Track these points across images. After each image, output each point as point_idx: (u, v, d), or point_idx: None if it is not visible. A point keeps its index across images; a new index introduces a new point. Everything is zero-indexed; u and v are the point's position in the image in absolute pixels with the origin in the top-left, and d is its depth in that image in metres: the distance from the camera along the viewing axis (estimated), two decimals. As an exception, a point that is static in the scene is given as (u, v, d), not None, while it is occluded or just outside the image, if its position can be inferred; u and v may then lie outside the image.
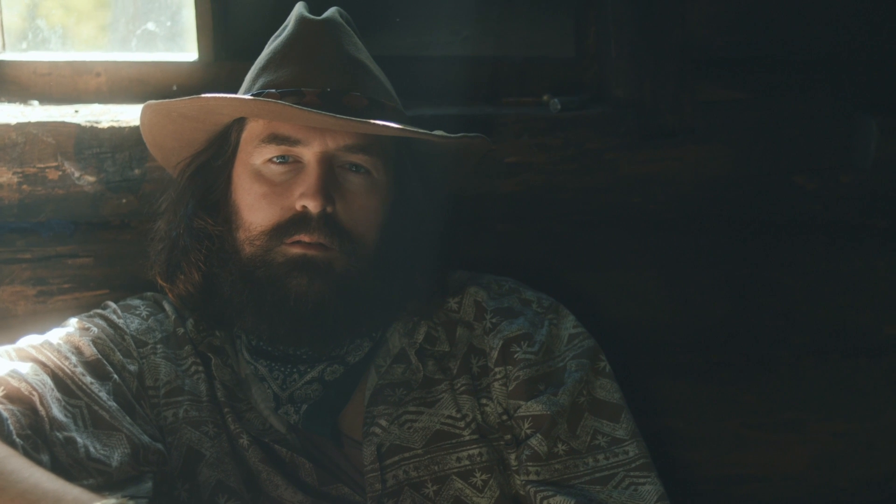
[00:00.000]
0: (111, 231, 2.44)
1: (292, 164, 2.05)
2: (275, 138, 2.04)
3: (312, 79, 2.06)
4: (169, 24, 2.70)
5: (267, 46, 2.19)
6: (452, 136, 2.11)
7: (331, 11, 2.18)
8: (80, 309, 2.28)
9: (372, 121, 2.00)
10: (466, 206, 2.43)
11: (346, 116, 1.97)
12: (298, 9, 2.18)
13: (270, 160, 2.05)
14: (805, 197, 2.57)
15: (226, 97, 2.03)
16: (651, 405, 2.31)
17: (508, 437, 2.08)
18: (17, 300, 2.42)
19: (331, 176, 2.03)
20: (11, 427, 1.76)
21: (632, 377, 2.30)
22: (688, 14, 2.53)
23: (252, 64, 2.41)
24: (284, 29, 2.17)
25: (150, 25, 2.70)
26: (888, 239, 2.59)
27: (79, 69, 2.60)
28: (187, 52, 2.67)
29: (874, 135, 2.46)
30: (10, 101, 2.54)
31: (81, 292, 2.44)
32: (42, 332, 2.03)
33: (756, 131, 2.55)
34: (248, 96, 2.04)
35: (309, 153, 2.03)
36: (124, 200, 2.42)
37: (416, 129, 2.05)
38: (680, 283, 2.57)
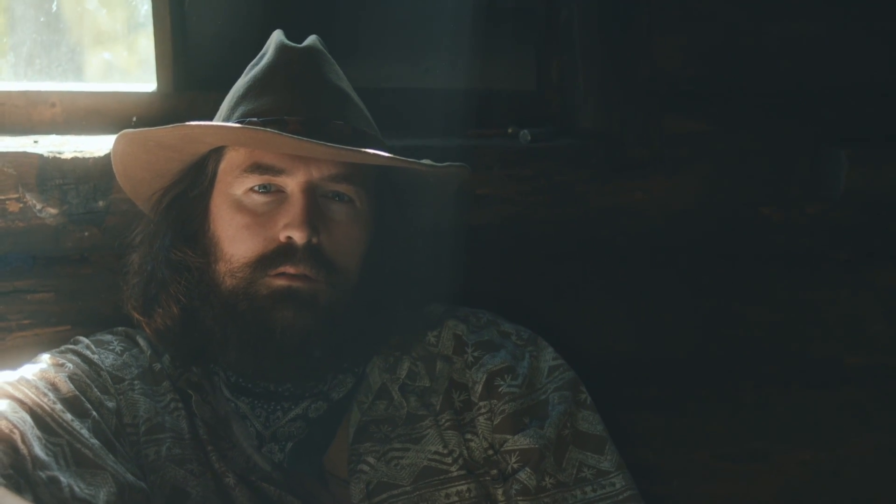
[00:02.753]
0: (71, 265, 2.38)
1: (275, 193, 2.01)
2: (257, 167, 2.00)
3: (295, 107, 2.03)
4: (126, 54, 2.65)
5: (244, 75, 2.15)
6: (439, 165, 2.10)
7: (311, 39, 2.15)
8: (40, 346, 2.23)
9: (363, 149, 1.97)
10: (439, 238, 2.41)
11: (335, 145, 1.94)
12: (277, 36, 2.15)
13: (252, 190, 2.01)
14: (770, 228, 2.60)
15: (211, 125, 2.00)
16: (621, 438, 2.30)
17: (495, 472, 2.06)
18: (-26, 337, 2.34)
19: (315, 206, 2.00)
20: (-6, 466, 1.70)
21: (601, 410, 2.29)
22: (655, 47, 2.55)
23: (213, 94, 2.40)
24: (263, 57, 2.14)
25: (107, 55, 2.64)
26: (850, 270, 2.63)
27: (33, 99, 2.55)
28: (145, 82, 2.62)
29: (843, 166, 2.50)
30: (-37, 133, 2.47)
31: (42, 328, 2.37)
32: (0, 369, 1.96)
33: (723, 163, 2.58)
34: (234, 124, 2.00)
35: (293, 183, 2.00)
36: (87, 233, 2.35)
37: (405, 159, 2.03)
38: (648, 316, 2.58)
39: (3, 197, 2.31)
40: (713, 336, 2.61)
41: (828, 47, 2.61)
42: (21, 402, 1.83)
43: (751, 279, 2.61)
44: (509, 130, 2.59)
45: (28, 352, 2.16)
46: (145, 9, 2.60)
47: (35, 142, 2.40)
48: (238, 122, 2.02)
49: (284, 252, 1.98)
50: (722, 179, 2.58)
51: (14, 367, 1.96)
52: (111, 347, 2.12)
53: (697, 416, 2.61)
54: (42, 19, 2.60)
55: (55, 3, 2.61)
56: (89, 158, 2.34)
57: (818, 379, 2.64)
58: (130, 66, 2.66)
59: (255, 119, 2.01)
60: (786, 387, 2.63)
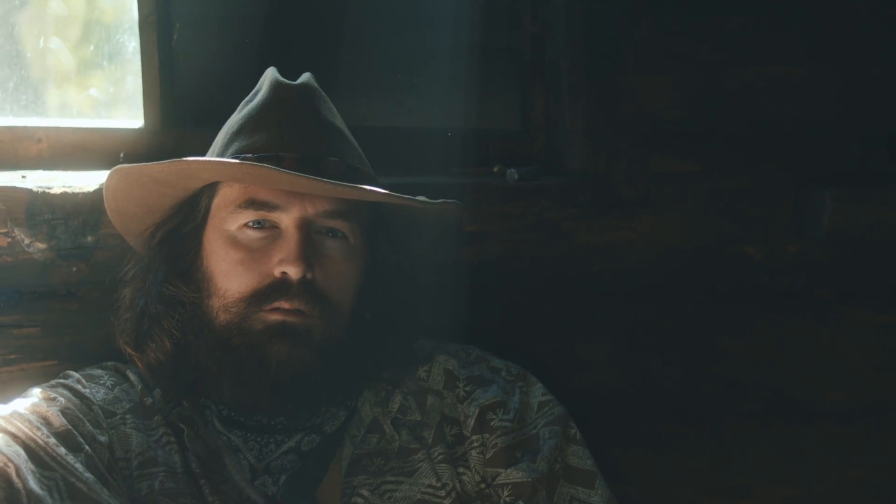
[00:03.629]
0: (57, 300, 2.37)
1: (269, 229, 2.02)
2: (252, 203, 2.01)
3: (290, 144, 2.04)
4: (112, 90, 2.65)
5: (238, 111, 2.16)
6: (433, 201, 2.11)
7: (306, 76, 2.17)
8: (27, 380, 2.21)
9: (359, 185, 1.99)
10: (427, 274, 2.42)
11: (331, 181, 1.95)
12: (272, 73, 2.16)
13: (247, 225, 2.02)
14: (753, 267, 2.64)
15: (209, 160, 2.01)
16: (605, 473, 2.32)
17: None
18: (-41, 371, 2.33)
19: (310, 242, 2.01)
20: (-10, 500, 1.69)
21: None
22: (640, 87, 2.59)
23: (200, 131, 2.42)
24: (257, 93, 2.15)
25: (93, 91, 2.64)
26: (831, 308, 2.67)
27: (19, 135, 2.54)
28: (130, 118, 2.62)
29: (827, 205, 2.54)
30: (-56, 167, 2.45)
31: (28, 363, 2.35)
32: None
33: (708, 202, 2.62)
34: (231, 160, 2.00)
35: (287, 219, 2.00)
36: (74, 269, 2.35)
37: (400, 195, 2.05)
38: (632, 352, 2.61)
39: (-9, 231, 2.31)
40: (696, 372, 2.64)
41: (809, 89, 2.66)
42: (14, 436, 1.82)
43: (734, 316, 2.65)
44: (495, 169, 2.62)
45: (14, 386, 2.16)
46: (133, 45, 2.60)
47: (23, 177, 2.39)
48: (233, 158, 2.03)
49: (279, 287, 1.99)
50: (706, 218, 2.63)
51: (0, 401, 1.95)
52: (102, 382, 2.10)
53: (680, 452, 2.64)
54: (29, 55, 2.60)
55: (42, 39, 2.61)
56: (79, 193, 2.34)
57: (799, 415, 2.67)
58: (116, 101, 2.66)
59: (251, 155, 2.02)
60: (768, 423, 2.67)
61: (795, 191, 2.64)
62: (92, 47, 2.64)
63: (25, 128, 2.55)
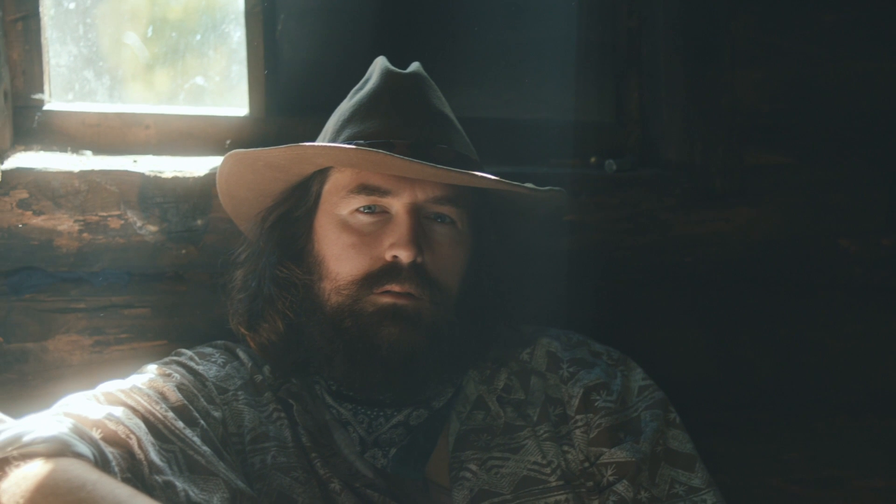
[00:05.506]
0: (166, 282, 2.43)
1: (380, 214, 2.06)
2: (364, 188, 2.05)
3: (401, 131, 2.09)
4: (218, 79, 2.71)
5: (348, 99, 2.21)
6: (541, 189, 2.15)
7: (415, 65, 2.22)
8: (137, 359, 2.26)
9: (470, 172, 2.03)
10: (528, 261, 2.45)
11: (444, 167, 1.99)
12: (382, 62, 2.20)
13: (358, 210, 2.06)
14: (847, 260, 2.65)
15: (325, 146, 2.05)
16: (699, 459, 2.36)
17: (590, 483, 2.09)
18: (72, 349, 2.39)
19: (420, 227, 2.05)
20: (116, 469, 1.73)
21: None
22: (736, 82, 2.62)
23: (302, 119, 2.48)
24: (367, 81, 2.20)
25: (199, 80, 2.70)
26: (925, 302, 2.68)
27: (128, 121, 2.60)
28: (235, 106, 2.68)
29: (921, 198, 2.57)
30: (59, 151, 2.51)
31: (139, 342, 2.42)
32: (96, 382, 1.98)
33: (803, 195, 2.64)
34: (346, 145, 2.05)
35: (398, 204, 2.05)
36: (184, 251, 2.41)
37: (510, 182, 2.09)
38: (726, 342, 2.64)
39: (104, 214, 2.37)
40: (788, 363, 2.66)
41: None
42: (134, 410, 1.88)
43: (827, 309, 2.66)
44: (592, 160, 2.66)
45: (125, 365, 2.22)
46: (238, 35, 2.66)
47: (135, 161, 2.45)
48: (346, 144, 2.08)
49: (390, 271, 2.03)
50: (801, 211, 2.64)
51: (112, 379, 2.00)
52: (213, 359, 2.16)
53: (771, 442, 2.66)
54: (134, 44, 2.66)
55: (150, 28, 2.68)
56: (189, 178, 2.40)
57: (891, 408, 2.68)
58: (221, 90, 2.72)
59: (363, 141, 2.07)
60: (858, 415, 2.68)
61: (890, 184, 2.65)
62: (198, 37, 2.70)
63: (134, 114, 2.61)
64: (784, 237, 2.63)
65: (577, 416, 2.14)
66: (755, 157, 2.63)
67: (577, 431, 2.13)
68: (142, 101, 2.70)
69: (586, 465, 2.11)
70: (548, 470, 2.09)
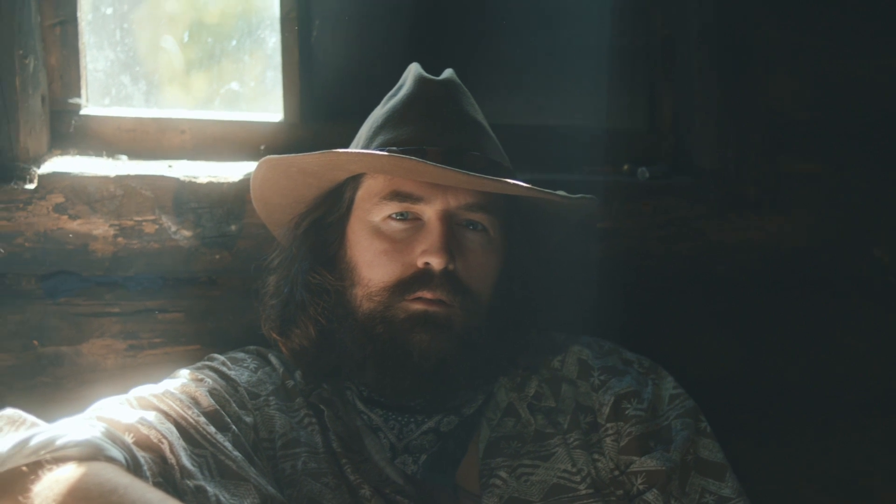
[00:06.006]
0: (199, 287, 2.45)
1: (412, 221, 2.07)
2: (397, 195, 2.06)
3: (434, 137, 2.09)
4: (253, 84, 2.73)
5: (382, 105, 2.21)
6: (573, 196, 2.15)
7: (448, 72, 2.22)
8: (170, 364, 2.27)
9: (503, 179, 2.03)
10: (560, 268, 2.46)
11: (477, 174, 2.00)
12: (415, 69, 2.21)
13: (390, 217, 2.07)
14: (880, 268, 2.64)
15: (358, 152, 2.05)
16: (729, 466, 2.35)
17: (620, 492, 2.10)
18: (106, 353, 2.41)
19: (452, 233, 2.05)
20: (148, 474, 1.74)
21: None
22: (770, 89, 2.61)
23: (337, 125, 2.49)
24: (401, 88, 2.20)
25: (234, 85, 2.72)
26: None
27: (164, 126, 2.62)
28: (270, 112, 2.70)
29: (954, 207, 2.56)
30: (95, 155, 2.54)
31: (172, 346, 2.44)
32: (130, 386, 1.99)
33: (835, 203, 2.64)
34: (379, 152, 2.06)
35: (430, 210, 2.05)
36: (217, 256, 2.43)
37: (542, 189, 2.09)
38: (758, 348, 2.63)
39: (139, 218, 2.39)
40: (818, 369, 2.65)
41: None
42: (166, 414, 1.89)
43: (859, 317, 2.66)
44: (625, 167, 2.66)
45: (159, 369, 2.23)
46: (273, 41, 2.67)
47: (170, 166, 2.47)
48: (379, 151, 2.08)
49: (421, 278, 2.04)
50: (834, 219, 2.64)
51: (145, 383, 2.01)
52: (245, 365, 2.17)
53: (800, 448, 2.65)
54: (171, 49, 2.68)
55: (187, 33, 2.70)
56: (224, 183, 2.42)
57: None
58: (256, 95, 2.73)
59: (395, 148, 2.07)
60: (887, 419, 2.67)
61: (923, 192, 2.64)
62: (234, 42, 2.72)
63: (170, 119, 2.63)
64: (817, 245, 2.63)
65: (608, 425, 2.14)
66: (788, 164, 2.62)
67: (608, 439, 2.13)
68: (178, 105, 2.71)
69: (616, 473, 2.11)
70: (578, 478, 2.09)
